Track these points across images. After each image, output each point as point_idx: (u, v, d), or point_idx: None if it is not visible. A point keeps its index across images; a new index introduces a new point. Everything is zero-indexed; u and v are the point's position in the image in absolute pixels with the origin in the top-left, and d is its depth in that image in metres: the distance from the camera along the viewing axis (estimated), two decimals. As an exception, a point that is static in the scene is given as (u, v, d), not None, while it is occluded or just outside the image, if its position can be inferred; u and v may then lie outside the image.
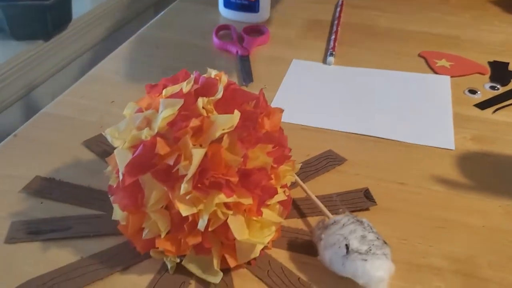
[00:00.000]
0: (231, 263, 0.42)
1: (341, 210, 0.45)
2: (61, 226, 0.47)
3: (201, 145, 0.40)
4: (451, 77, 0.73)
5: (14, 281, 0.42)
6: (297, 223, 0.48)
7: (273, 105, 0.66)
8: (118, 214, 0.43)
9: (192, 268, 0.42)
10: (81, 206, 0.50)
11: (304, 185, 0.50)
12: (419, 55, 0.79)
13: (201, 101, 0.41)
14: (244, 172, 0.40)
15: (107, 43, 1.26)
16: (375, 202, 0.50)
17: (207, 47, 0.81)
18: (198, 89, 0.43)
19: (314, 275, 0.43)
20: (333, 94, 0.69)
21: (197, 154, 0.38)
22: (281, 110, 0.45)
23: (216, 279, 0.42)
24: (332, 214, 0.46)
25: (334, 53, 0.77)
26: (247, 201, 0.40)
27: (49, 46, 1.13)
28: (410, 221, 0.49)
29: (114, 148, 0.43)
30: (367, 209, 0.50)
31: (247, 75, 0.72)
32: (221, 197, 0.39)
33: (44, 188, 0.52)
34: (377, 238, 0.42)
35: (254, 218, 0.42)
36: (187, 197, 0.39)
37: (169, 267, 0.43)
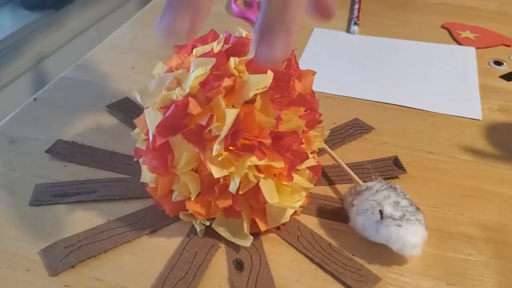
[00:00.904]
0: (262, 227, 0.41)
1: (373, 176, 0.44)
2: (86, 189, 0.47)
3: (233, 106, 0.39)
4: (476, 48, 0.71)
5: (40, 243, 0.42)
6: (325, 190, 0.48)
7: (295, 73, 0.65)
8: (146, 176, 0.42)
9: (222, 231, 0.42)
10: (105, 170, 0.49)
11: (333, 153, 0.49)
12: (442, 27, 0.77)
13: (232, 61, 0.40)
14: (276, 135, 0.39)
15: (119, 13, 1.25)
16: (405, 170, 0.49)
17: (226, 15, 0.80)
18: (229, 49, 0.41)
19: (345, 241, 0.42)
20: (358, 63, 0.68)
21: (231, 114, 0.37)
22: (313, 73, 0.44)
23: (246, 242, 0.41)
24: (363, 181, 0.45)
25: (358, 22, 0.75)
26: (279, 164, 0.39)
27: (60, 15, 1.11)
28: (440, 190, 0.48)
29: (140, 111, 0.42)
30: (396, 177, 0.49)
31: (268, 43, 0.70)
32: (253, 160, 0.38)
33: (67, 151, 0.51)
34: (411, 204, 0.42)
35: (284, 183, 0.41)
36: (219, 159, 0.38)
37: (198, 230, 0.42)
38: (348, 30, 0.75)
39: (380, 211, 0.40)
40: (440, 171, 0.50)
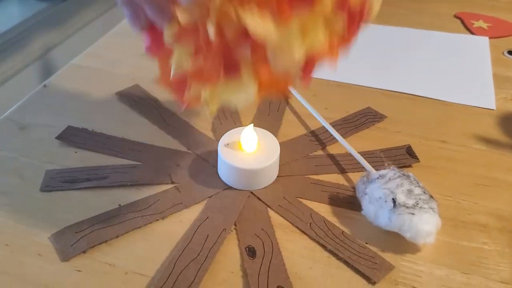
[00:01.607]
0: (263, 75, 0.34)
1: (386, 164, 0.44)
2: (96, 175, 0.46)
3: None
4: (489, 38, 0.70)
5: (51, 227, 0.41)
6: (338, 178, 0.47)
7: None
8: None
9: (225, 94, 0.35)
10: (116, 156, 0.49)
11: (344, 141, 0.48)
12: (455, 16, 0.76)
13: None
14: None
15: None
16: (418, 159, 0.49)
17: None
18: None
19: (358, 229, 0.42)
20: (370, 52, 0.67)
21: None
22: None
23: (248, 97, 0.35)
24: (375, 170, 0.45)
25: (370, 10, 0.74)
26: None
27: (69, 4, 1.11)
28: (454, 179, 0.47)
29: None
30: (409, 166, 0.48)
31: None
32: None
33: (77, 138, 0.51)
34: (424, 192, 0.41)
35: (290, 17, 0.32)
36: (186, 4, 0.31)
37: (208, 111, 0.36)
38: (359, 19, 0.74)
39: (393, 199, 0.40)
40: (453, 160, 0.50)
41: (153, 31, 0.35)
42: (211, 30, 0.31)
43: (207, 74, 0.34)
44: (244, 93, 0.35)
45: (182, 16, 0.31)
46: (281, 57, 0.33)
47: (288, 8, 0.31)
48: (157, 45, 0.35)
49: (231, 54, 0.33)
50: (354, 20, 0.36)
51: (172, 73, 0.35)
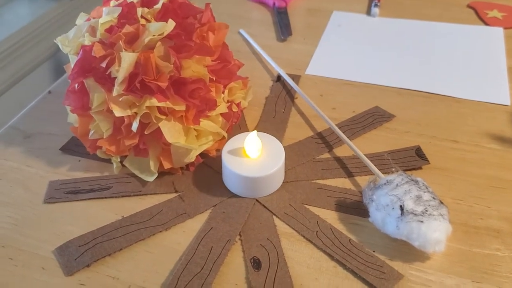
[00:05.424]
0: (165, 165, 0.45)
1: (394, 169, 0.42)
2: (100, 185, 0.46)
3: (133, 51, 0.42)
4: (504, 28, 0.68)
5: (56, 240, 0.41)
6: (344, 182, 0.46)
7: (314, 59, 0.63)
8: (70, 117, 0.47)
9: (131, 167, 0.46)
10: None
11: (352, 144, 0.47)
12: (468, 6, 0.74)
13: (140, 10, 0.44)
14: (178, 80, 0.42)
15: None
16: (428, 161, 0.47)
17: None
18: (144, 1, 0.46)
19: (365, 236, 0.41)
20: (379, 47, 0.65)
21: (126, 57, 0.40)
22: (227, 26, 0.46)
23: (150, 178, 0.45)
24: (382, 173, 0.44)
25: (379, 4, 0.72)
26: (180, 107, 0.42)
27: (76, 3, 1.11)
28: (466, 181, 0.46)
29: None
30: (419, 168, 0.47)
31: (285, 28, 0.68)
32: (153, 101, 0.41)
33: (81, 148, 0.50)
34: (433, 198, 0.40)
35: (192, 127, 0.44)
36: (120, 99, 0.41)
37: (114, 166, 0.46)
38: (368, 13, 0.72)
39: (401, 206, 0.39)
40: (465, 161, 0.48)
41: (81, 98, 0.44)
42: (135, 126, 0.42)
43: (116, 148, 0.44)
44: (146, 169, 0.45)
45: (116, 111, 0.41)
46: (181, 155, 0.44)
47: (196, 120, 0.44)
48: (82, 110, 0.44)
49: (145, 143, 0.44)
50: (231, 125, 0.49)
51: (90, 135, 0.45)
